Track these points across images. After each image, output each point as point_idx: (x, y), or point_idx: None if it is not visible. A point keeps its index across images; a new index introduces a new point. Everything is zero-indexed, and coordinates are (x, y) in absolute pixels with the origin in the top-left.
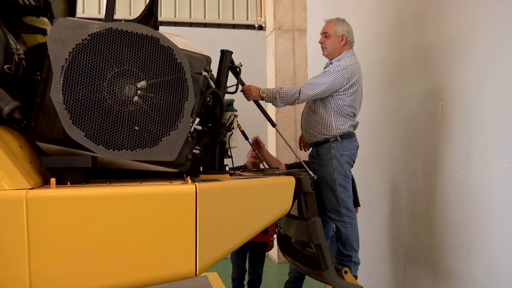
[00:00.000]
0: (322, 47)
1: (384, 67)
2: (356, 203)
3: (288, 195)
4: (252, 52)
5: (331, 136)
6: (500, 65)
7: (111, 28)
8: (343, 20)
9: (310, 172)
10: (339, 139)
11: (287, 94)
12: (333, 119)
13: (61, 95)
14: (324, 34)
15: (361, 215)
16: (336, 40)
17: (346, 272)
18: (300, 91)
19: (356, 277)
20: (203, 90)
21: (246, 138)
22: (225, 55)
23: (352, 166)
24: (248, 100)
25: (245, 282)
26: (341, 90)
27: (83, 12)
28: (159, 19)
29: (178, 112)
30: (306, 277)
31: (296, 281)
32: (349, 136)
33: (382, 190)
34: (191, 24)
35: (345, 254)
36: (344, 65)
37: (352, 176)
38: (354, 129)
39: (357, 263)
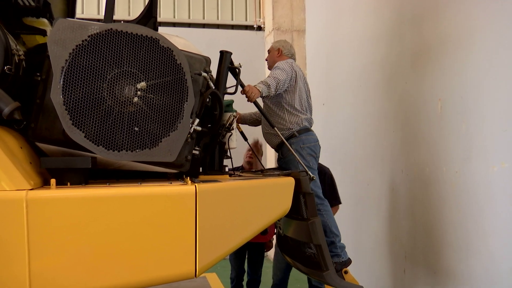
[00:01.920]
0: (267, 63)
1: (383, 68)
2: (337, 201)
3: (287, 196)
4: (251, 52)
5: (289, 132)
6: (498, 65)
7: (111, 29)
8: (285, 40)
9: (309, 172)
10: (296, 134)
11: (270, 81)
12: (286, 114)
13: (61, 96)
14: (267, 51)
15: (360, 215)
16: (273, 53)
17: (346, 272)
18: (273, 77)
19: (349, 260)
20: (202, 91)
21: (245, 139)
22: (225, 56)
23: (315, 158)
24: (252, 101)
25: (244, 283)
26: (292, 84)
27: (82, 12)
28: (158, 19)
29: (178, 113)
30: (290, 279)
31: (281, 284)
32: (306, 130)
33: (381, 190)
34: (190, 25)
35: (328, 242)
36: (283, 62)
37: (330, 173)
38: (310, 126)
39: (343, 247)
